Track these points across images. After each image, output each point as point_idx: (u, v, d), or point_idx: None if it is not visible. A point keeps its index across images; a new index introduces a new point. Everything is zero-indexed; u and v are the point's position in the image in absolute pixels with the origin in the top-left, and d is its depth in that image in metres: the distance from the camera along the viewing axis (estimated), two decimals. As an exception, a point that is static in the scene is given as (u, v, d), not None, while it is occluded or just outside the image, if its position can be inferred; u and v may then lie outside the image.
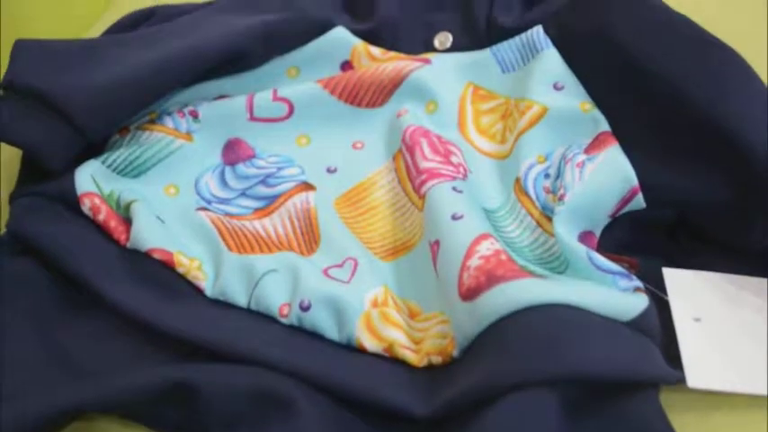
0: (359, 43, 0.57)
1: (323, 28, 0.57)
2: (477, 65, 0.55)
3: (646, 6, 0.51)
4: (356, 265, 0.47)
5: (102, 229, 0.48)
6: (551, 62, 0.52)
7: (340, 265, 0.47)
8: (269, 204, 0.51)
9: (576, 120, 0.50)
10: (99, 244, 0.47)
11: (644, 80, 0.48)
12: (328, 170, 0.52)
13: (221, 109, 0.54)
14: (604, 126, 0.49)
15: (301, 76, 0.57)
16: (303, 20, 0.57)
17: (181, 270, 0.46)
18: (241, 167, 0.52)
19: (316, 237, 0.49)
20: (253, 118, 0.54)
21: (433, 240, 0.45)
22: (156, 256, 0.46)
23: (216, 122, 0.53)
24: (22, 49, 0.53)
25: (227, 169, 0.52)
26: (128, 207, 0.48)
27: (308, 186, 0.51)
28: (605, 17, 0.51)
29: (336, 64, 0.57)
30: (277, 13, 0.57)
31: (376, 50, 0.57)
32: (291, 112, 0.54)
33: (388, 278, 0.47)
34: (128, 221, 0.48)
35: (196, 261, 0.47)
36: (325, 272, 0.46)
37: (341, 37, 0.57)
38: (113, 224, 0.48)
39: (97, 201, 0.48)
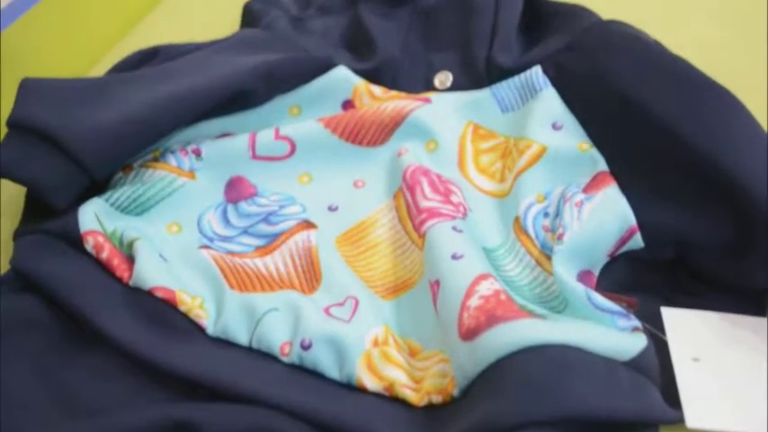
0: (360, 82, 0.58)
1: (325, 67, 0.58)
2: (477, 104, 0.56)
3: (644, 49, 0.52)
4: (357, 303, 0.47)
5: (105, 267, 0.48)
6: (550, 102, 0.53)
7: (341, 304, 0.48)
8: (270, 242, 0.51)
9: (575, 159, 0.51)
10: (102, 282, 0.48)
11: (642, 122, 0.49)
12: (330, 208, 0.53)
13: (224, 147, 0.54)
14: (602, 166, 0.50)
15: (303, 115, 0.57)
16: (305, 59, 0.57)
17: (183, 308, 0.46)
18: (243, 205, 0.53)
19: (317, 275, 0.49)
20: (255, 156, 0.54)
21: (433, 280, 0.45)
22: (159, 294, 0.47)
23: (218, 161, 0.54)
24: (29, 87, 0.54)
25: (230, 207, 0.53)
26: (131, 245, 0.49)
27: (309, 225, 0.52)
28: (603, 59, 0.52)
29: (338, 103, 0.58)
30: (279, 53, 0.58)
31: (377, 89, 0.58)
32: (293, 150, 0.55)
33: (388, 317, 0.47)
34: (130, 259, 0.48)
35: (198, 299, 0.47)
36: (327, 310, 0.47)
37: (342, 76, 0.58)
38: (116, 262, 0.48)
39: (100, 239, 0.49)
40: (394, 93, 0.58)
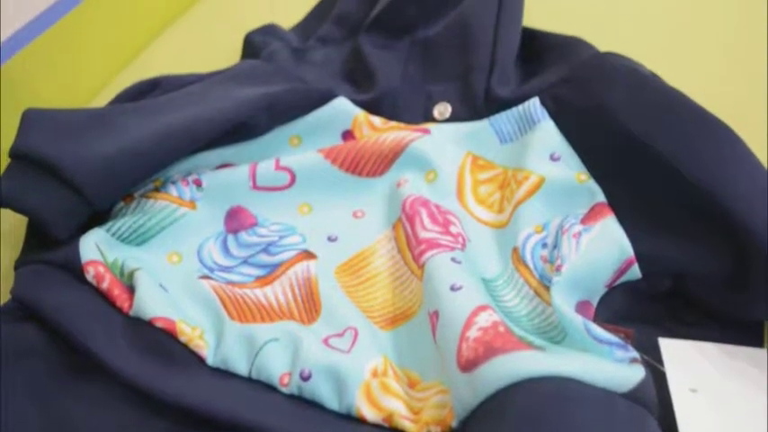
0: (360, 113, 0.58)
1: (325, 98, 0.58)
2: (476, 135, 0.57)
3: (641, 81, 0.53)
4: (356, 334, 0.48)
5: (105, 298, 0.49)
6: (548, 133, 0.54)
7: (340, 335, 0.48)
8: (270, 273, 0.52)
9: (573, 190, 0.52)
10: (102, 312, 0.48)
11: (639, 154, 0.49)
12: (329, 239, 0.54)
13: (225, 178, 0.55)
14: (600, 197, 0.51)
15: (303, 145, 0.58)
16: (305, 91, 0.58)
17: (183, 338, 0.46)
18: (243, 236, 0.53)
19: (317, 306, 0.50)
20: (255, 187, 0.55)
21: (432, 311, 0.46)
22: (159, 324, 0.47)
23: (219, 191, 0.55)
24: (31, 118, 0.54)
25: (230, 237, 0.54)
26: (131, 275, 0.49)
27: (309, 255, 0.52)
28: (601, 92, 0.53)
29: (338, 133, 0.58)
30: (280, 85, 0.58)
31: (377, 120, 0.58)
32: (293, 181, 0.55)
33: (387, 347, 0.48)
34: (131, 289, 0.49)
35: (198, 329, 0.47)
36: (326, 341, 0.47)
37: (342, 107, 0.58)
38: (117, 292, 0.48)
39: (101, 269, 0.49)
40: (393, 123, 0.58)
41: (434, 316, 0.45)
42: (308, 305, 0.50)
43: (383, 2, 0.65)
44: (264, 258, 0.52)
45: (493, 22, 0.60)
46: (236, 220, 0.54)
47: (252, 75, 0.60)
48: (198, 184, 0.54)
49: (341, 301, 0.50)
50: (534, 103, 0.55)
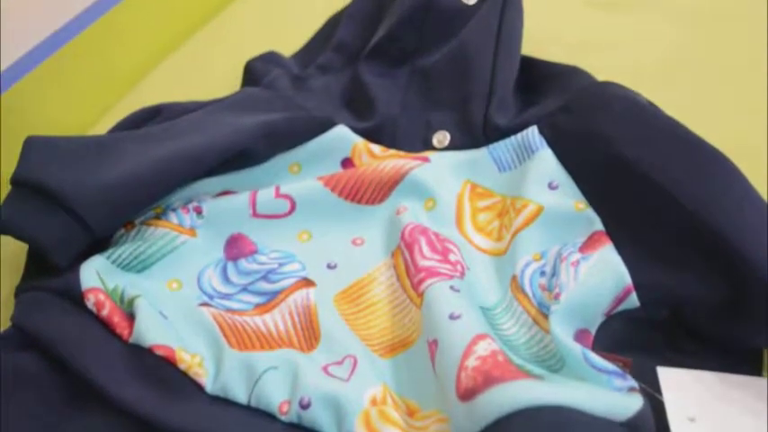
0: (359, 141, 0.59)
1: (324, 126, 0.59)
2: (475, 163, 0.57)
3: (639, 111, 0.53)
4: (356, 362, 0.48)
5: (105, 325, 0.49)
6: (546, 162, 0.54)
7: (340, 363, 0.48)
8: (270, 300, 0.52)
9: (571, 219, 0.52)
10: (102, 339, 0.48)
11: (637, 183, 0.50)
12: (329, 266, 0.54)
13: (225, 205, 0.55)
14: (598, 225, 0.51)
15: (303, 173, 0.58)
16: (305, 119, 0.59)
17: (182, 366, 0.47)
18: (243, 263, 0.54)
19: (316, 333, 0.50)
20: (255, 214, 0.55)
21: (431, 339, 0.46)
22: (159, 352, 0.47)
23: (219, 218, 0.55)
24: (33, 145, 0.55)
25: (230, 265, 0.54)
26: (131, 303, 0.49)
27: (308, 282, 0.53)
28: (599, 121, 0.53)
29: (337, 161, 0.59)
30: (280, 112, 0.59)
31: (376, 148, 0.59)
32: (293, 208, 0.56)
33: (386, 375, 0.48)
34: (131, 317, 0.49)
35: (197, 357, 0.47)
36: (325, 369, 0.47)
37: (342, 135, 0.59)
38: (117, 319, 0.49)
39: (101, 296, 0.49)
40: (393, 151, 0.59)
41: (433, 345, 0.45)
42: (308, 333, 0.50)
43: (382, 30, 0.65)
44: (264, 286, 0.53)
45: (491, 51, 0.61)
46: (236, 248, 0.54)
47: (252, 102, 0.61)
48: (198, 211, 0.55)
49: (340, 328, 0.50)
50: (533, 132, 0.56)
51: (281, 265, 0.54)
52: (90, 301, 0.49)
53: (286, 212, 0.56)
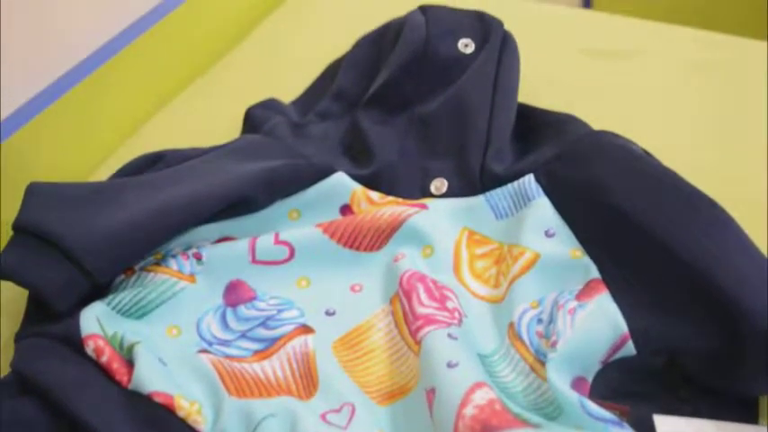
0: (358, 188, 0.60)
1: (324, 173, 0.60)
2: (472, 211, 0.58)
3: (634, 160, 0.54)
4: (354, 410, 0.48)
5: (105, 371, 0.49)
6: (542, 210, 0.55)
7: (338, 411, 0.48)
8: (269, 347, 0.52)
9: (568, 267, 0.53)
10: (101, 386, 0.48)
11: (632, 232, 0.51)
12: (327, 313, 0.54)
13: (224, 252, 0.56)
14: (594, 273, 0.52)
15: (302, 219, 0.59)
16: (305, 166, 0.60)
17: (181, 413, 0.47)
18: (242, 309, 0.54)
19: (314, 381, 0.50)
20: (255, 261, 0.56)
21: (429, 387, 0.46)
22: (158, 399, 0.47)
23: (219, 265, 0.56)
24: (35, 191, 0.56)
25: (229, 311, 0.54)
26: (130, 349, 0.50)
27: (307, 329, 0.53)
28: (594, 170, 0.55)
29: (336, 207, 0.60)
30: (280, 160, 0.60)
31: (374, 195, 0.60)
32: (292, 255, 0.56)
33: (384, 423, 0.48)
34: (130, 363, 0.49)
35: (196, 404, 0.48)
36: (323, 417, 0.48)
37: (341, 182, 0.60)
38: (116, 366, 0.49)
39: (101, 342, 0.50)
40: (391, 198, 0.60)
41: (431, 393, 0.46)
42: (306, 380, 0.50)
43: (381, 79, 0.67)
44: (263, 332, 0.53)
45: (489, 100, 0.62)
46: (235, 294, 0.55)
47: (253, 150, 0.62)
48: (198, 257, 0.55)
49: (338, 376, 0.50)
50: (529, 180, 0.57)
51: (279, 311, 0.54)
52: (89, 348, 0.50)
53: (285, 259, 0.56)
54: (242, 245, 0.56)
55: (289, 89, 0.75)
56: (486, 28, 0.66)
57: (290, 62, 0.82)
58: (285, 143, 0.63)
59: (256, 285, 0.56)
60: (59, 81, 0.69)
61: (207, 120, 0.75)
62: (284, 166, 0.59)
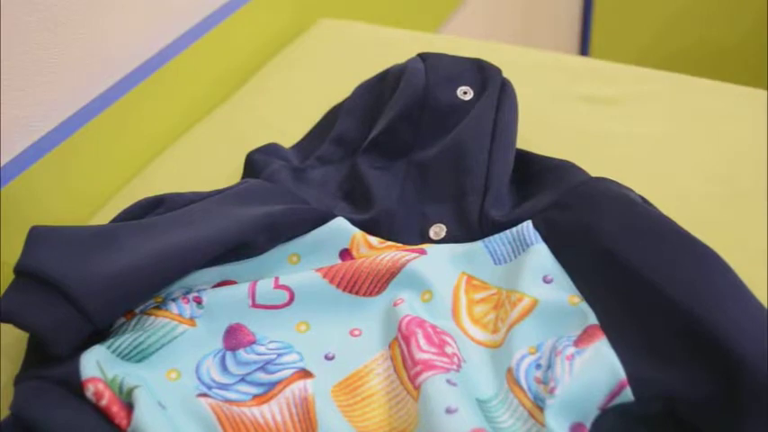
0: (357, 233, 0.61)
1: (324, 218, 0.61)
2: (471, 256, 0.60)
3: (630, 207, 0.56)
4: None
5: (104, 415, 0.50)
6: (541, 256, 0.57)
7: None
8: (268, 391, 0.53)
9: (565, 313, 0.54)
10: (99, 429, 0.49)
11: (628, 279, 0.52)
12: (326, 357, 0.55)
13: (224, 296, 0.57)
14: (592, 319, 0.53)
15: (302, 263, 0.60)
16: (305, 211, 0.61)
17: None
18: (241, 353, 0.55)
19: (313, 425, 0.51)
20: (254, 305, 0.57)
21: None
22: None
23: (219, 309, 0.57)
24: (36, 235, 0.57)
25: (228, 355, 0.55)
26: (130, 392, 0.51)
27: (306, 374, 0.54)
28: (591, 217, 0.56)
29: (335, 252, 0.61)
30: (280, 204, 0.61)
31: (374, 240, 0.61)
32: (292, 299, 0.57)
33: None
34: (129, 407, 0.50)
35: None
36: None
37: (340, 227, 0.61)
38: (115, 409, 0.50)
39: (101, 386, 0.51)
40: (390, 243, 0.61)
41: None
42: (305, 425, 0.51)
43: (381, 125, 0.68)
44: (262, 376, 0.54)
45: (487, 146, 0.64)
46: (234, 338, 0.56)
47: (253, 194, 0.63)
48: (198, 301, 0.56)
49: (337, 421, 0.51)
50: (527, 227, 0.58)
51: (279, 355, 0.55)
52: (89, 391, 0.50)
53: (285, 303, 0.57)
54: (242, 289, 0.57)
55: (288, 134, 0.76)
56: (485, 75, 0.68)
57: (289, 107, 0.83)
58: (285, 187, 0.65)
59: (256, 329, 0.57)
60: (59, 127, 0.70)
61: (207, 164, 0.76)
62: (284, 211, 0.60)
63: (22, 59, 0.66)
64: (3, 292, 0.55)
